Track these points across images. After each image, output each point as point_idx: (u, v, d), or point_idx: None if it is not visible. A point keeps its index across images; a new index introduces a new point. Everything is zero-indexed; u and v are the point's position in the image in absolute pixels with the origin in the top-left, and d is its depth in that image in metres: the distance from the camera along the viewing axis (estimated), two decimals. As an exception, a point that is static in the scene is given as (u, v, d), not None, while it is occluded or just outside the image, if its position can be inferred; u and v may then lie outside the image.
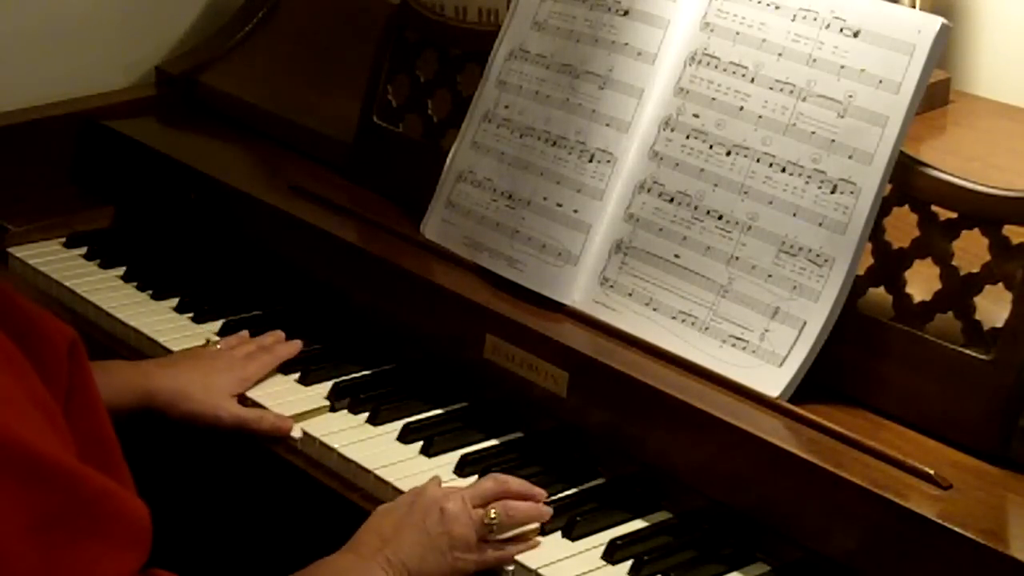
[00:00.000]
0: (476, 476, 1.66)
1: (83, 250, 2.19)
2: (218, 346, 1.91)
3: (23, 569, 1.19)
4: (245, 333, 1.94)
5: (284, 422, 1.77)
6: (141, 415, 1.78)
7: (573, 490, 1.65)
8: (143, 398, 1.78)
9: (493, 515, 1.55)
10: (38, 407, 1.24)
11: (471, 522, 1.54)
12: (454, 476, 1.68)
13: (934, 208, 1.57)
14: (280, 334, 1.93)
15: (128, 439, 1.50)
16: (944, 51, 1.63)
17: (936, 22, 1.59)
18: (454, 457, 1.70)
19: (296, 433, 1.76)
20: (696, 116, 1.72)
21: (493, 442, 1.74)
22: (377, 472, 1.67)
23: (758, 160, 1.66)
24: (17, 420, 1.21)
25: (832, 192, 1.61)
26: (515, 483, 1.60)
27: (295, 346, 1.91)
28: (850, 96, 1.61)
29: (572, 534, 1.57)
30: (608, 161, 1.78)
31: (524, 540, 1.56)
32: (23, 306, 1.30)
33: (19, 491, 1.19)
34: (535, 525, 1.58)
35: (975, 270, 1.54)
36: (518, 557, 1.54)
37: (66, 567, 1.21)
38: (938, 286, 1.56)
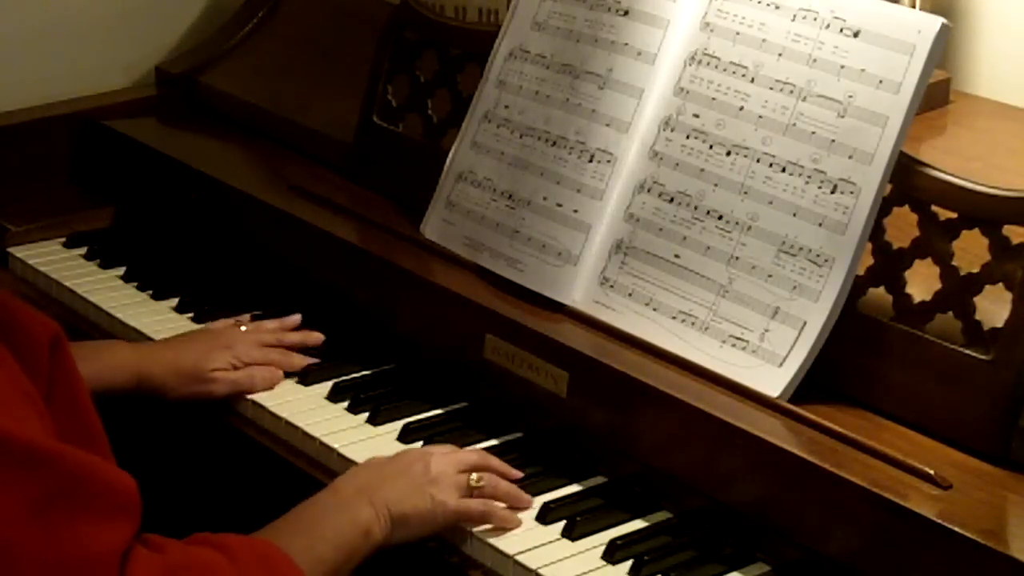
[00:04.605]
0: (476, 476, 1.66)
1: (83, 250, 2.19)
2: (243, 328, 1.90)
3: (28, 552, 1.23)
4: (296, 320, 1.93)
5: (274, 373, 1.83)
6: (138, 400, 1.81)
7: (573, 489, 1.65)
8: (137, 380, 1.81)
9: (477, 479, 1.58)
10: (21, 396, 1.26)
11: (455, 476, 1.58)
12: (454, 476, 1.68)
13: (934, 208, 1.57)
14: (305, 333, 1.92)
15: (127, 438, 1.50)
16: (944, 51, 1.63)
17: (936, 22, 1.59)
18: (454, 457, 1.70)
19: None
20: (696, 116, 1.72)
21: (493, 442, 1.74)
22: (377, 472, 1.67)
23: (758, 160, 1.66)
24: (4, 411, 1.23)
25: (832, 192, 1.61)
26: (496, 460, 1.63)
27: (303, 360, 1.87)
28: (850, 96, 1.61)
29: (572, 534, 1.57)
30: (608, 161, 1.78)
31: (509, 507, 1.59)
32: (3, 301, 1.32)
33: (14, 479, 1.23)
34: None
35: (975, 270, 1.53)
36: (518, 557, 1.54)
37: (67, 543, 1.24)
38: (938, 286, 1.56)
